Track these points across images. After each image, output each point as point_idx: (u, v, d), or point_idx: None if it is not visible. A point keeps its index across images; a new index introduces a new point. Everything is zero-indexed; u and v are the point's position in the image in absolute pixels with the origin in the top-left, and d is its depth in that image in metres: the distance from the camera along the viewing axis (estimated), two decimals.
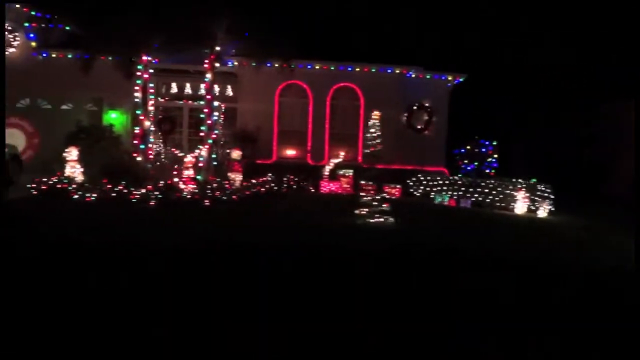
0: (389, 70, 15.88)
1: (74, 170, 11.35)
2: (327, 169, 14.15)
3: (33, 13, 15.22)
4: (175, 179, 11.24)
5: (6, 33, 15.09)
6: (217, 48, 12.85)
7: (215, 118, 13.10)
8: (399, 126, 16.29)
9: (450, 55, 16.88)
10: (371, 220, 9.29)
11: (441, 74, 16.37)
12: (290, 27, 12.52)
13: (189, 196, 10.53)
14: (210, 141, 12.89)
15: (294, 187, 13.76)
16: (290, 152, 16.13)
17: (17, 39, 15.14)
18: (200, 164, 12.70)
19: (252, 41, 12.49)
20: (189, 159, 11.57)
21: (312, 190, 14.09)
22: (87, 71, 12.68)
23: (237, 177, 13.02)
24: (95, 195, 10.24)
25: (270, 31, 12.24)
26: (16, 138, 15.33)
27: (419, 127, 16.50)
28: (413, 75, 16.17)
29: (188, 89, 16.33)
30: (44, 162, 14.00)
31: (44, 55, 15.21)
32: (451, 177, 13.65)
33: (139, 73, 12.20)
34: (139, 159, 11.96)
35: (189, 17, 12.07)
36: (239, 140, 14.15)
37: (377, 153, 9.89)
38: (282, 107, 16.05)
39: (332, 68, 15.71)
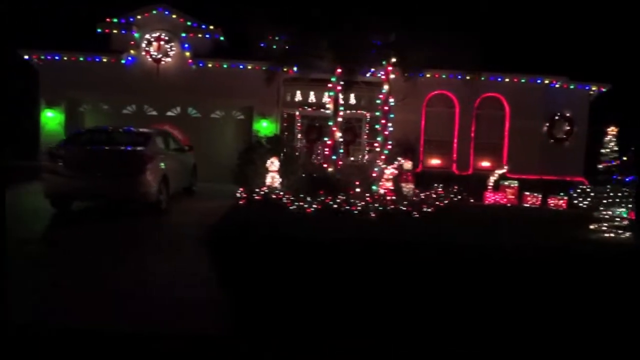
0: (539, 81, 15.90)
1: (275, 180, 11.53)
2: (492, 180, 14.19)
3: (189, 23, 15.48)
4: (371, 191, 11.42)
5: (162, 43, 15.39)
6: (393, 59, 13.00)
7: (391, 129, 13.19)
8: (540, 136, 16.33)
9: (595, 65, 16.82)
10: (606, 235, 9.34)
11: (585, 84, 16.34)
12: (470, 38, 12.50)
13: (403, 208, 10.64)
14: (386, 152, 13.01)
15: (458, 197, 13.79)
16: (435, 162, 16.21)
17: (172, 49, 15.39)
18: (374, 174, 12.83)
19: (435, 53, 12.55)
20: (390, 170, 11.69)
21: (472, 201, 14.11)
22: (270, 84, 12.90)
23: (410, 187, 13.14)
24: (315, 206, 10.37)
25: (454, 43, 12.33)
26: None
27: (559, 137, 16.50)
28: (557, 86, 16.17)
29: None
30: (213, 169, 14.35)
31: (200, 64, 15.43)
32: (628, 189, 13.59)
33: (330, 85, 12.36)
34: (330, 169, 12.11)
35: (371, 30, 12.27)
36: (402, 150, 14.22)
37: (614, 168, 9.89)
38: (429, 116, 16.15)
39: (483, 78, 15.75)
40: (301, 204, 10.46)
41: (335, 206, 10.35)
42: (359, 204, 10.33)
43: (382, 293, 5.25)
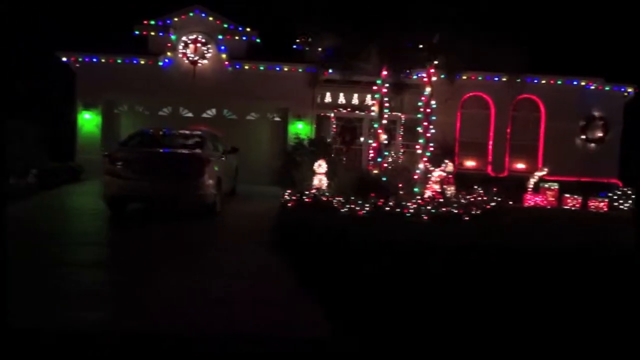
0: (575, 83, 15.88)
1: (322, 183, 11.56)
2: (532, 182, 14.18)
3: (225, 25, 15.53)
4: (414, 193, 11.44)
5: (199, 45, 15.44)
6: (436, 62, 13.00)
7: (433, 131, 13.19)
8: (575, 138, 16.31)
9: (631, 66, 16.75)
10: None
11: (620, 86, 16.31)
12: (511, 41, 12.49)
13: (455, 211, 10.65)
14: (428, 154, 13.01)
15: (498, 199, 13.75)
16: (470, 164, 16.21)
17: (209, 50, 15.43)
18: (416, 177, 12.83)
19: (478, 55, 12.54)
20: (438, 173, 11.70)
21: (510, 203, 14.07)
22: (313, 85, 12.97)
23: (451, 189, 13.11)
24: (367, 209, 10.38)
25: (495, 45, 12.32)
26: None
27: (594, 138, 16.46)
28: (593, 87, 16.14)
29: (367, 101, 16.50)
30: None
31: (237, 66, 15.47)
32: None
33: (375, 87, 12.40)
34: (375, 171, 12.13)
35: (418, 32, 12.29)
36: (443, 153, 14.20)
37: None
38: (464, 118, 16.14)
39: (518, 80, 15.73)
40: (352, 206, 10.47)
41: (388, 209, 10.36)
42: (410, 207, 10.34)
43: (465, 298, 5.23)
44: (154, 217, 9.78)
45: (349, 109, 16.27)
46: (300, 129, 15.61)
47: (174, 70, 15.45)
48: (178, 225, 9.08)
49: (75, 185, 13.47)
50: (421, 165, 12.89)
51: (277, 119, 16.31)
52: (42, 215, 9.66)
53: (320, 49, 13.78)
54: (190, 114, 16.12)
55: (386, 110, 12.48)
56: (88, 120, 15.44)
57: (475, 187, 13.54)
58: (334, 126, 16.16)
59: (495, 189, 13.74)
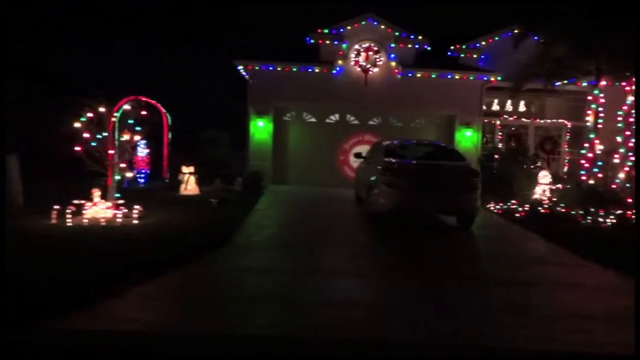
0: None
1: (545, 193, 11.59)
2: None
3: (397, 34, 15.65)
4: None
5: (371, 53, 15.58)
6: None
7: (634, 140, 13.10)
8: None
9: None
10: None
11: None
12: None
13: None
14: (629, 163, 12.94)
15: None
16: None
17: (380, 59, 15.57)
18: (614, 186, 12.77)
19: None
20: None
21: None
22: (514, 96, 12.99)
23: None
24: (610, 220, 10.36)
25: None
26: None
27: None
28: None
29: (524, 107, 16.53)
30: None
31: (409, 74, 15.57)
32: None
33: (590, 98, 12.39)
34: (591, 181, 12.11)
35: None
36: None
37: None
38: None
39: None
40: (594, 217, 10.45)
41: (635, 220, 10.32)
42: None
43: None
44: (418, 228, 9.74)
45: (514, 116, 16.30)
46: (468, 136, 15.68)
47: (345, 78, 15.61)
48: (458, 236, 9.16)
49: (269, 193, 13.72)
50: (621, 175, 12.87)
51: (442, 126, 16.38)
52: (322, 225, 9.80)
53: (475, 56, 13.92)
54: (356, 122, 16.30)
55: (600, 120, 12.42)
56: (260, 128, 15.68)
57: None
58: (500, 134, 16.18)
59: None
